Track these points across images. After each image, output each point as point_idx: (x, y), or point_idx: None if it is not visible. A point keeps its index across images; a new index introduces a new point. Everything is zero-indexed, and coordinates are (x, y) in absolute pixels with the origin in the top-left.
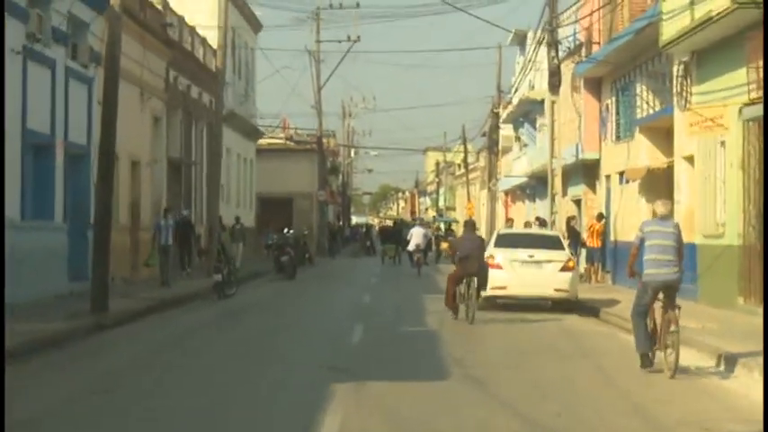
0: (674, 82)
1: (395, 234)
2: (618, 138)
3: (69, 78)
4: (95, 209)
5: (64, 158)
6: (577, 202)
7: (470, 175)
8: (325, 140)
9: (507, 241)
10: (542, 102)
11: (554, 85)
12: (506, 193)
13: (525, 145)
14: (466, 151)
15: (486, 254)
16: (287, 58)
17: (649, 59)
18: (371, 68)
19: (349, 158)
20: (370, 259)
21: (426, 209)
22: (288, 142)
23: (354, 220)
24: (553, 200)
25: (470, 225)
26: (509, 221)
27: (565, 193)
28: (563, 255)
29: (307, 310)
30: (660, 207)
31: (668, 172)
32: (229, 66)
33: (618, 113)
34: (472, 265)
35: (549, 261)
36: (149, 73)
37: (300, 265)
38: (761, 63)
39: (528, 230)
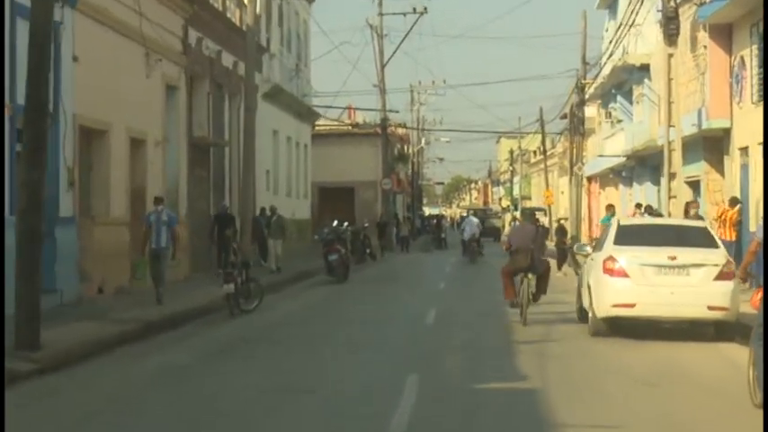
0: None
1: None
2: (762, 98)
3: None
4: (18, 195)
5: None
6: (694, 185)
7: (548, 162)
8: (391, 126)
9: (633, 236)
10: (642, 68)
11: (671, 33)
12: (590, 179)
13: (619, 121)
14: (544, 135)
15: (603, 255)
16: (346, 34)
17: None
18: (440, 44)
19: (419, 145)
20: (441, 254)
21: (500, 199)
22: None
23: (427, 211)
24: (672, 179)
25: (528, 215)
26: (610, 208)
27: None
28: (718, 255)
29: (339, 340)
30: None
31: None
32: (276, 36)
33: (760, 66)
34: (523, 259)
35: (699, 265)
36: (159, 29)
37: (360, 263)
38: None
39: (661, 220)
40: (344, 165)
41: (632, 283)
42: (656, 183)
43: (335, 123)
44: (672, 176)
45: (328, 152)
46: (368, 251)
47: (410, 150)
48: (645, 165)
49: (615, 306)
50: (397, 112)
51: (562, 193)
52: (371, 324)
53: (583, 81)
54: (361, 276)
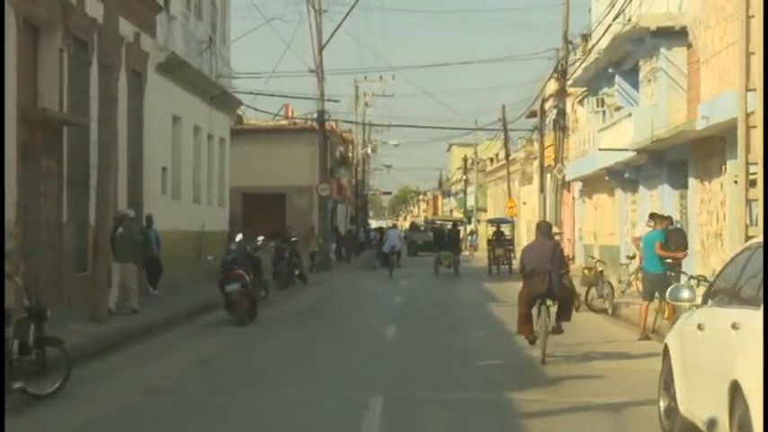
0: None
1: (451, 238)
2: None
3: None
4: None
5: None
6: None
7: (509, 169)
8: (330, 121)
9: None
10: (658, 33)
11: None
12: (567, 185)
13: (618, 108)
14: (506, 136)
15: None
16: (277, 6)
17: None
18: (390, 21)
19: (364, 148)
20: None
21: (451, 210)
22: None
23: (373, 224)
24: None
25: (543, 228)
26: (663, 220)
27: (719, 171)
28: None
29: None
30: None
31: None
32: None
33: None
34: (540, 283)
35: None
36: None
37: (284, 288)
38: None
39: None
40: (274, 166)
41: None
42: (679, 185)
43: (266, 120)
44: (747, 167)
45: (254, 151)
46: (296, 272)
47: (354, 153)
48: (661, 162)
49: None
50: (338, 101)
51: (524, 203)
52: None
53: (564, 63)
54: (278, 311)
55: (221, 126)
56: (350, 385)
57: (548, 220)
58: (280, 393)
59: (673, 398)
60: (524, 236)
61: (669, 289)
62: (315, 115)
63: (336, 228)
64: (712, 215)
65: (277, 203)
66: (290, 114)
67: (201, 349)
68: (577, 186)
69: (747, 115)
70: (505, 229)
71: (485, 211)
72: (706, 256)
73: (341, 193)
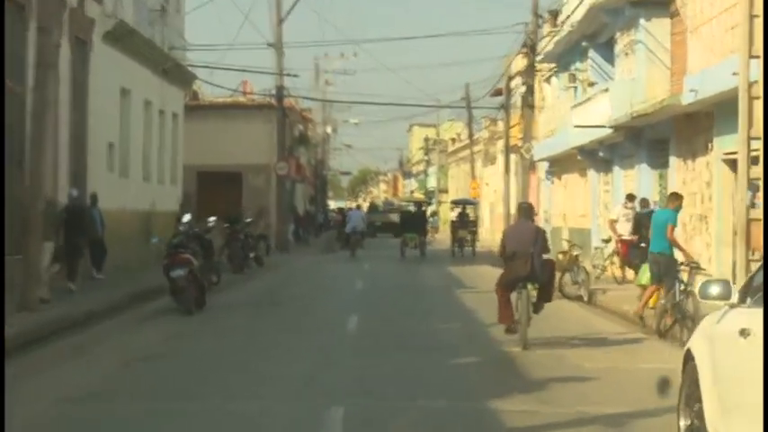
0: None
1: (417, 220)
2: None
3: None
4: None
5: None
6: (735, 164)
7: (472, 149)
8: (289, 97)
9: None
10: (637, 3)
11: None
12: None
13: (591, 84)
14: (470, 115)
15: None
16: None
17: None
18: None
19: (324, 126)
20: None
21: (412, 192)
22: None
23: (333, 205)
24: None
25: (525, 210)
26: (676, 199)
27: (705, 149)
28: None
29: None
30: None
31: None
32: None
33: None
34: (521, 266)
35: None
36: None
37: (239, 272)
38: None
39: None
40: (230, 144)
41: None
42: (658, 165)
43: (224, 96)
44: (747, 142)
45: (209, 127)
46: (252, 255)
47: (314, 133)
48: (639, 140)
49: None
50: (297, 76)
51: (487, 184)
52: None
53: (533, 38)
54: (230, 297)
55: (174, 101)
56: (306, 392)
57: (513, 200)
58: (220, 405)
59: (698, 416)
60: (487, 217)
61: (699, 284)
62: (273, 91)
63: (295, 208)
64: (696, 196)
65: (233, 182)
66: (248, 91)
67: (140, 344)
68: (543, 167)
69: (750, 85)
70: (470, 210)
71: (446, 192)
72: (688, 240)
73: (300, 172)
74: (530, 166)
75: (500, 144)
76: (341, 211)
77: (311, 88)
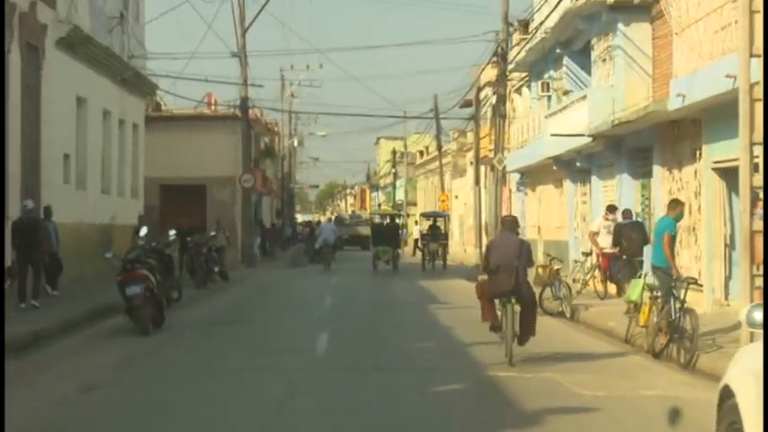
0: None
1: (391, 233)
2: None
3: None
4: None
5: None
6: (727, 173)
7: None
8: (254, 108)
9: None
10: (616, 7)
11: None
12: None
13: (566, 92)
14: (438, 126)
15: None
16: None
17: None
18: (316, 3)
19: (291, 139)
20: (317, 270)
21: (380, 205)
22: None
23: (300, 218)
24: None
25: (509, 223)
26: (677, 206)
27: (693, 157)
28: None
29: None
30: None
31: None
32: None
33: None
34: (505, 280)
35: None
36: None
37: (202, 287)
38: None
39: None
40: (194, 156)
41: None
42: (639, 175)
43: (190, 108)
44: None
45: (172, 139)
46: (216, 269)
47: (280, 146)
48: (620, 148)
49: None
50: (261, 86)
51: (456, 197)
52: None
53: (504, 47)
54: (191, 315)
55: (135, 111)
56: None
57: (485, 213)
58: None
59: None
60: (457, 230)
61: (744, 311)
62: (238, 102)
63: (261, 221)
64: (683, 207)
65: (197, 195)
66: (213, 103)
67: (88, 370)
68: (515, 178)
69: (751, 86)
70: (440, 223)
71: (414, 205)
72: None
73: (266, 185)
74: (501, 178)
75: (469, 156)
76: (308, 224)
77: (277, 100)
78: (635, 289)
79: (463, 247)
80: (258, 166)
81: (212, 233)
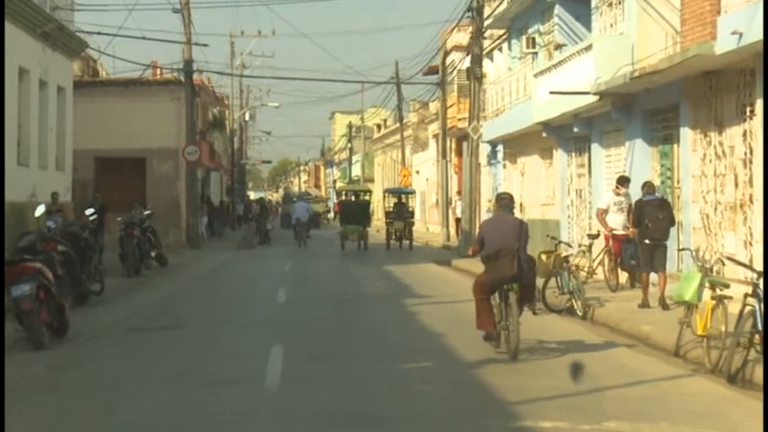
0: None
1: (360, 211)
2: None
3: None
4: None
5: None
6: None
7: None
8: (199, 72)
9: None
10: None
11: None
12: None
13: (559, 47)
14: (400, 95)
15: None
16: None
17: None
18: None
19: (242, 111)
20: (268, 253)
21: (335, 181)
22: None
23: (253, 195)
24: None
25: (505, 201)
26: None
27: (739, 116)
28: None
29: None
30: None
31: None
32: None
33: None
34: (507, 265)
35: None
36: None
37: (137, 275)
38: None
39: None
40: (133, 125)
41: None
42: (658, 140)
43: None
44: None
45: (108, 106)
46: (152, 254)
47: (230, 119)
48: (631, 109)
49: None
50: (206, 45)
51: (417, 172)
52: None
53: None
54: (111, 315)
55: (60, 72)
56: None
57: (452, 189)
58: None
59: None
60: (418, 208)
61: None
62: (181, 65)
63: (208, 199)
64: (725, 178)
65: (136, 169)
66: (158, 73)
67: None
68: (485, 151)
69: None
70: (406, 200)
71: (372, 181)
72: (711, 236)
73: (214, 159)
74: (476, 149)
75: (432, 128)
76: (260, 201)
77: (226, 68)
78: (688, 284)
79: (426, 225)
80: (205, 138)
81: (147, 212)
